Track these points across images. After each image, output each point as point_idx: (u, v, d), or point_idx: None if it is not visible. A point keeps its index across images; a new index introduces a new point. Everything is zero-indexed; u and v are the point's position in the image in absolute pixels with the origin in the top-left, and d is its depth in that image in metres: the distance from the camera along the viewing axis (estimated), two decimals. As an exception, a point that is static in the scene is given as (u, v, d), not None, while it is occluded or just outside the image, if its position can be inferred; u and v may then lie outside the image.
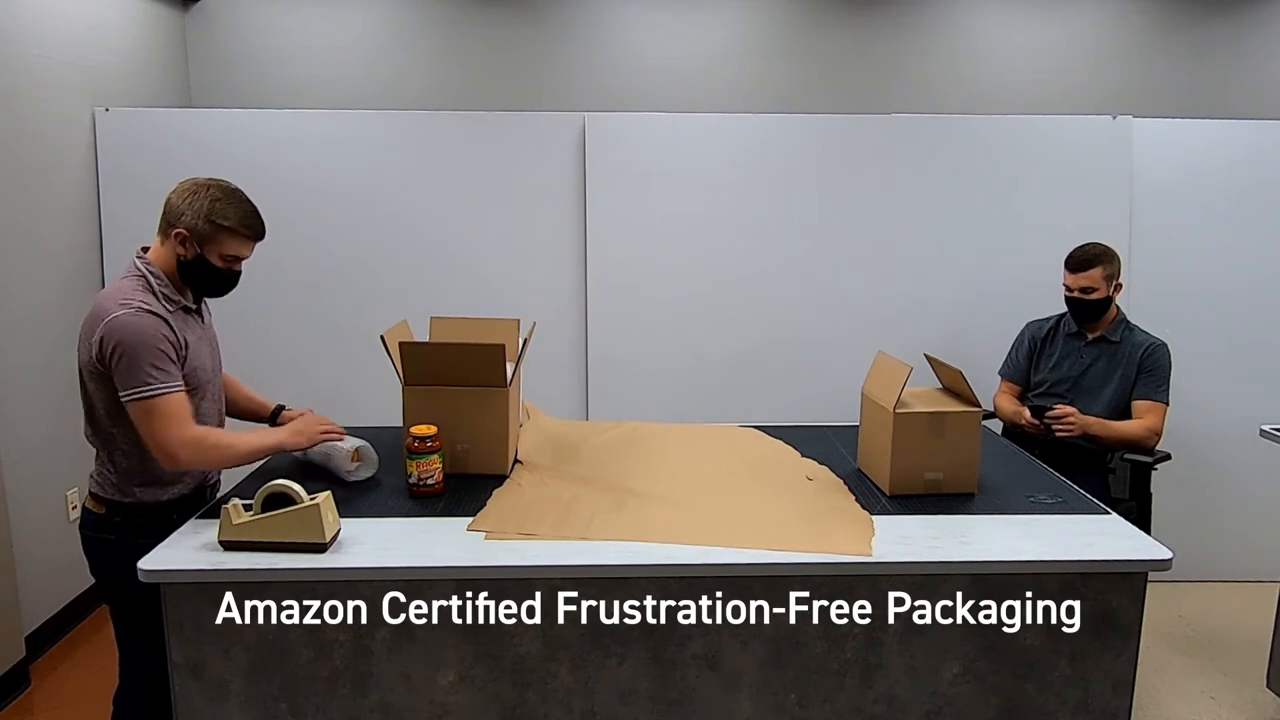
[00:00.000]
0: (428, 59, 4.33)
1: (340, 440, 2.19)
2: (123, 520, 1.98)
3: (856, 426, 2.41)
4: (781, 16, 4.36)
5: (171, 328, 1.93)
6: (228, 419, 2.28)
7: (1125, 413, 2.87)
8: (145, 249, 2.03)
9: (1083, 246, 2.86)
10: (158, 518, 1.97)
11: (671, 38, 4.35)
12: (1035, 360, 3.04)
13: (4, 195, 2.97)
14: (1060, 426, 2.74)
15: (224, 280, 2.04)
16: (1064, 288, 2.90)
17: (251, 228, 2.01)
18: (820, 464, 2.38)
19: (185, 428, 1.90)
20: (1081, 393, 2.89)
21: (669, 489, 2.15)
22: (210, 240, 1.97)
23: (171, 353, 1.91)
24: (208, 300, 2.16)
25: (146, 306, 1.90)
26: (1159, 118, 3.60)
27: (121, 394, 1.88)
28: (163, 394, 1.87)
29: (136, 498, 1.98)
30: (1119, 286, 2.88)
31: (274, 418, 2.34)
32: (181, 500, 2.04)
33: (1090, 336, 2.93)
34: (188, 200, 1.96)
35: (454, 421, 2.16)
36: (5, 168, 2.98)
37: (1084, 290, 2.83)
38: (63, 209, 3.29)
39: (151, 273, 1.98)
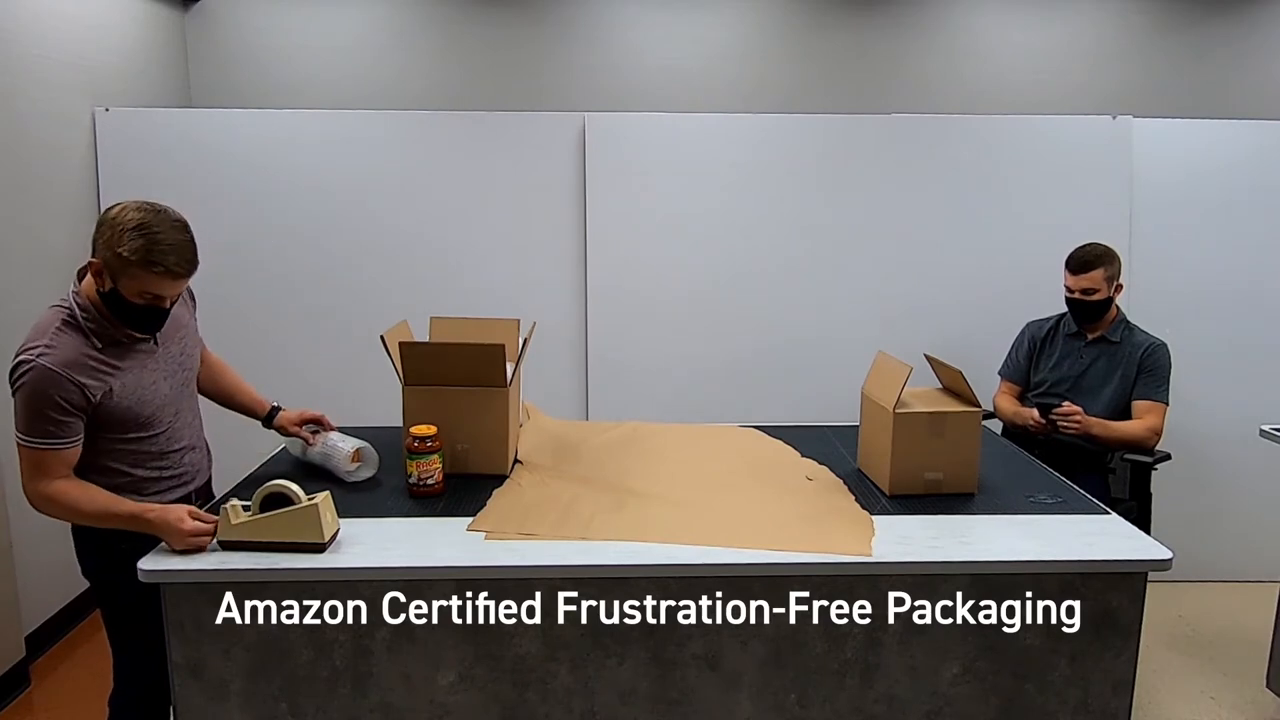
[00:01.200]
0: (428, 59, 4.33)
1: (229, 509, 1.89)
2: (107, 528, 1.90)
3: (856, 426, 2.41)
4: (781, 16, 4.36)
5: (77, 382, 1.78)
6: (228, 412, 2.29)
7: (1125, 413, 2.86)
8: (83, 271, 1.85)
9: (1083, 247, 2.86)
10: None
11: (671, 38, 4.35)
12: (1035, 360, 3.04)
13: (4, 195, 2.97)
14: (1066, 423, 2.74)
15: (146, 317, 1.84)
16: (1065, 289, 2.90)
17: (162, 264, 1.75)
18: (820, 464, 2.38)
19: (51, 481, 1.82)
20: (1081, 393, 2.89)
21: (669, 489, 2.15)
22: (121, 274, 1.76)
23: (68, 408, 1.78)
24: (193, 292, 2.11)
25: (51, 354, 1.76)
26: (1159, 118, 3.60)
27: (16, 433, 1.81)
28: (48, 449, 1.80)
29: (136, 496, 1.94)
30: (1119, 287, 2.87)
31: (269, 418, 2.32)
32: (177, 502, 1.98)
33: (1090, 336, 2.93)
34: (107, 227, 1.76)
35: (454, 421, 2.16)
36: (5, 168, 2.98)
37: (1085, 291, 2.83)
38: (63, 209, 3.29)
39: (79, 305, 1.83)
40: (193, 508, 1.85)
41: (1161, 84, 4.43)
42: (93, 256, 1.79)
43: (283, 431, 2.33)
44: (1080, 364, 2.92)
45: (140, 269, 1.75)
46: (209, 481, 2.20)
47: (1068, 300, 2.90)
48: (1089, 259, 2.82)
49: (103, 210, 1.85)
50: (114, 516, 1.84)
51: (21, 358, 1.79)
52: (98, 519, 1.86)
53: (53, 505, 1.86)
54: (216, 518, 1.80)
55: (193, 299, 2.18)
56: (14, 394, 1.80)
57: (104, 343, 1.84)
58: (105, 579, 1.95)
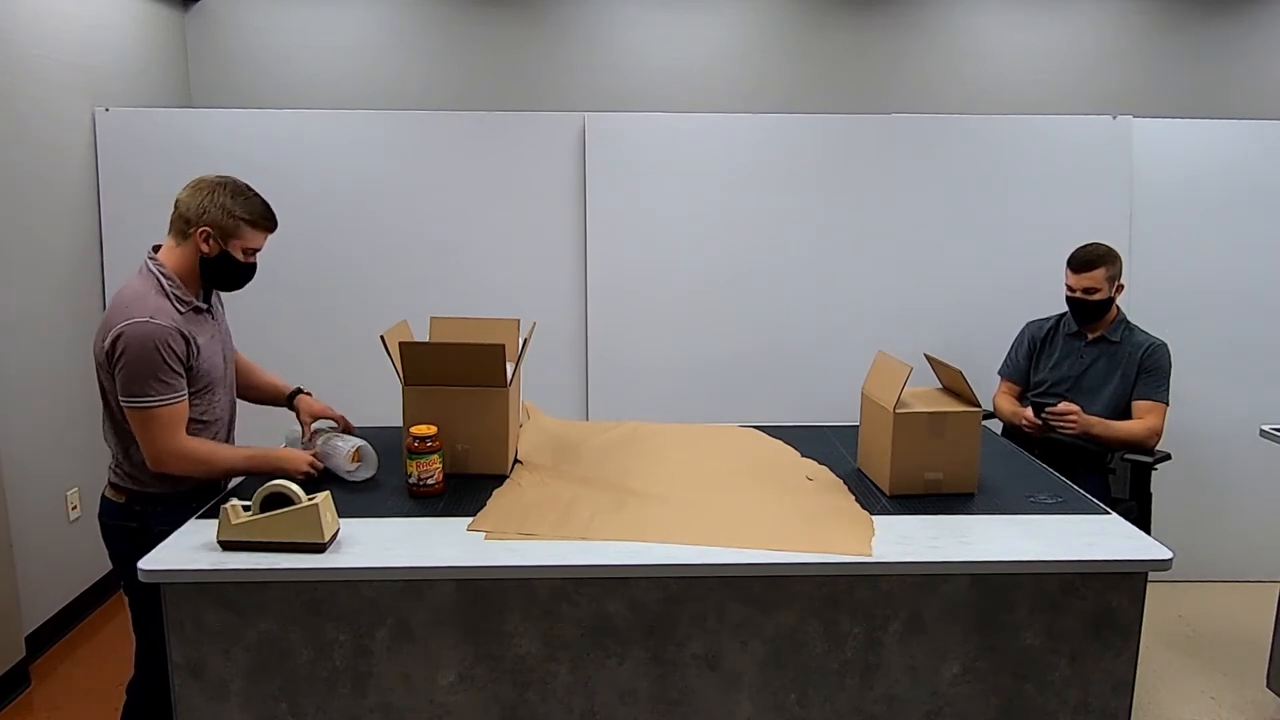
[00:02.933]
0: (428, 59, 4.33)
1: (327, 451, 2.20)
2: (143, 509, 2.03)
3: (856, 426, 2.41)
4: (781, 16, 4.36)
5: (183, 334, 1.95)
6: (246, 404, 2.35)
7: (1125, 412, 2.86)
8: (156, 248, 2.05)
9: (1085, 247, 2.85)
10: (177, 505, 2.01)
11: (671, 38, 4.35)
12: (1035, 360, 3.04)
13: (4, 195, 2.97)
14: (1062, 423, 2.74)
15: (245, 273, 2.09)
16: (1066, 288, 2.89)
17: (270, 219, 2.07)
18: (820, 464, 2.38)
19: (177, 439, 1.95)
20: (1082, 393, 2.89)
21: (669, 489, 2.15)
22: (234, 235, 2.01)
23: (178, 364, 1.94)
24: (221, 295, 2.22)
25: (159, 318, 1.92)
26: (1159, 118, 3.60)
27: (121, 399, 1.92)
28: (162, 406, 1.92)
29: (154, 488, 2.02)
30: (1120, 287, 2.87)
31: (290, 400, 2.37)
32: (199, 489, 2.08)
33: (1090, 336, 2.92)
34: (207, 198, 1.98)
35: (454, 421, 2.16)
36: (5, 168, 2.98)
37: (1086, 291, 2.82)
38: (63, 209, 3.29)
39: (164, 274, 2.00)
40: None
41: (1161, 84, 4.43)
42: (192, 229, 1.98)
43: (300, 418, 2.36)
44: (1080, 364, 2.92)
45: (253, 227, 2.03)
46: None
47: (1068, 299, 2.90)
48: (1091, 258, 2.81)
49: (186, 194, 2.00)
50: (248, 458, 2.07)
51: (131, 323, 1.89)
52: (232, 465, 2.06)
53: (189, 460, 1.97)
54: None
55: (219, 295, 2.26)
56: (122, 364, 1.89)
57: (183, 309, 2.00)
58: (133, 566, 1.96)
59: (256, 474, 2.09)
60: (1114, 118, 3.57)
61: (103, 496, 2.09)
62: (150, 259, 2.02)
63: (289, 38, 4.28)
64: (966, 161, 3.57)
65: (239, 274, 2.07)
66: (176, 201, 2.02)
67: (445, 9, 4.30)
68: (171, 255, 2.02)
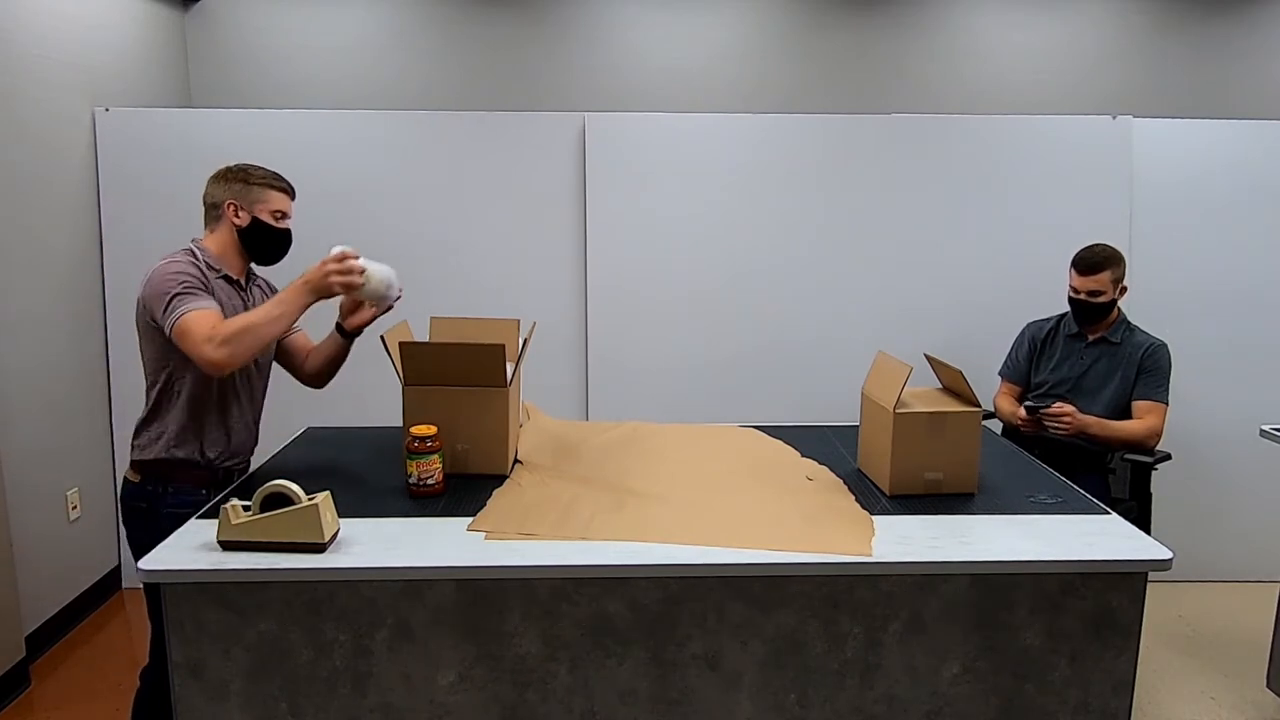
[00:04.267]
0: (428, 59, 4.33)
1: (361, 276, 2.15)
2: (154, 489, 2.12)
3: (856, 426, 2.41)
4: (781, 16, 4.36)
5: (202, 277, 2.08)
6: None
7: (1126, 413, 2.86)
8: (197, 238, 2.21)
9: (1091, 248, 2.83)
10: (182, 490, 2.12)
11: (671, 38, 4.35)
12: (1036, 361, 3.04)
13: (4, 195, 2.97)
14: (1057, 424, 2.74)
15: (282, 239, 2.23)
16: (1070, 289, 2.88)
17: (283, 181, 2.22)
18: (820, 464, 2.38)
19: (208, 329, 1.98)
20: (1082, 393, 2.89)
21: (669, 489, 2.15)
22: (256, 200, 2.16)
23: (195, 284, 2.05)
24: (266, 282, 2.35)
25: (184, 261, 2.09)
26: (1159, 118, 3.61)
27: (164, 327, 2.01)
28: (190, 311, 1.99)
29: (172, 454, 2.12)
30: (1123, 290, 2.86)
31: (342, 331, 2.36)
32: (213, 473, 2.17)
33: (1091, 338, 2.92)
34: (222, 181, 2.17)
35: (454, 421, 2.16)
36: (5, 168, 2.98)
37: (1091, 293, 2.81)
38: (63, 209, 3.30)
39: (198, 248, 2.16)
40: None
41: (1161, 84, 4.43)
42: (220, 209, 2.15)
43: (352, 324, 2.35)
44: (1081, 365, 2.92)
45: (270, 188, 2.18)
46: (252, 451, 2.33)
47: (1072, 301, 2.89)
48: (1098, 260, 2.80)
49: (210, 181, 2.19)
50: (281, 303, 2.05)
51: (158, 269, 2.05)
52: (269, 316, 2.03)
53: (237, 340, 1.98)
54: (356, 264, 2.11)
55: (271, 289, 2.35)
56: (159, 296, 2.01)
57: (210, 275, 2.13)
58: (147, 548, 1.98)
59: (297, 310, 2.06)
60: (1114, 118, 3.57)
61: (124, 478, 2.19)
62: (194, 242, 2.18)
63: (289, 38, 4.28)
64: (966, 161, 3.57)
65: (276, 239, 2.21)
66: (203, 197, 2.19)
67: (445, 9, 4.30)
68: (210, 240, 2.18)
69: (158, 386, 2.13)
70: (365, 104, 4.24)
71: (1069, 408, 2.75)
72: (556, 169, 3.56)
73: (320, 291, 2.07)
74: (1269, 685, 2.78)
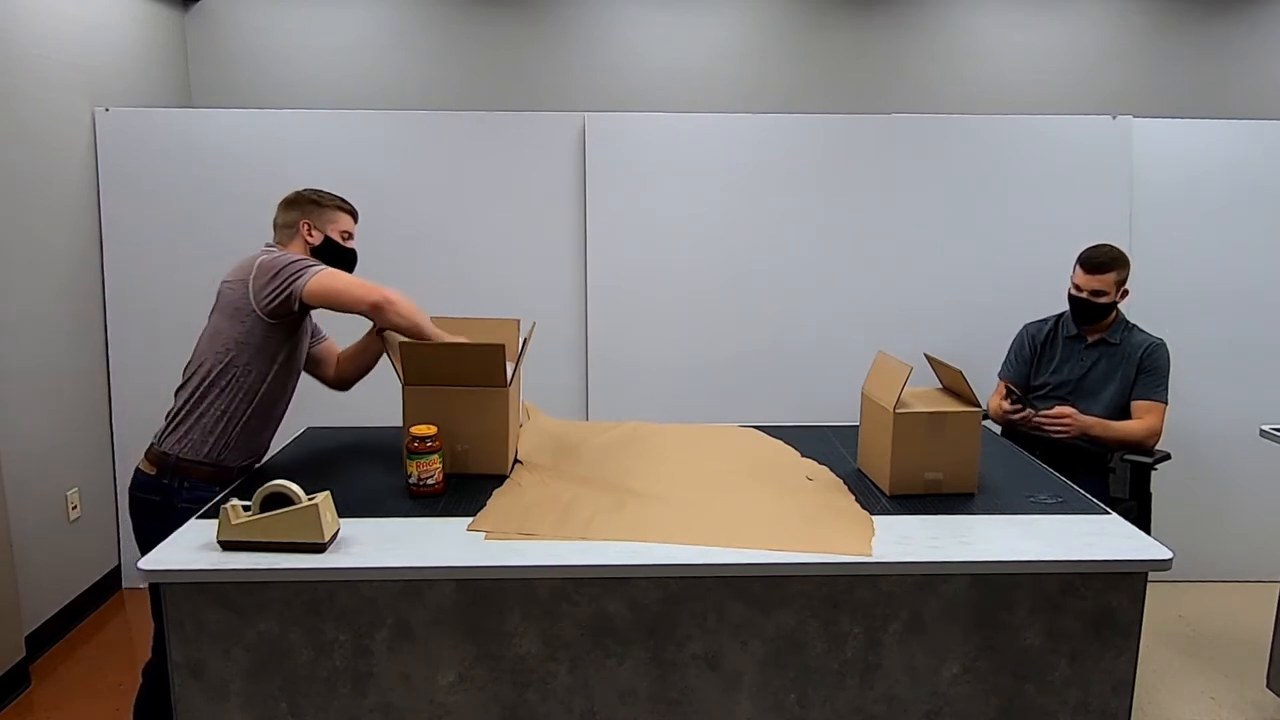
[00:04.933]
0: (428, 59, 4.33)
1: None
2: (168, 483, 2.13)
3: (856, 426, 2.41)
4: (781, 16, 4.36)
5: None
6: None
7: (1126, 412, 2.86)
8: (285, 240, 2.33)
9: (1099, 248, 2.81)
10: (198, 486, 2.14)
11: (671, 38, 4.35)
12: (1036, 363, 3.03)
13: (4, 195, 2.97)
14: (1057, 426, 2.74)
15: (349, 257, 2.37)
16: (1072, 286, 2.85)
17: (348, 203, 2.38)
18: (820, 464, 2.38)
19: (361, 280, 2.16)
20: (1083, 395, 2.89)
21: (669, 489, 2.15)
22: (328, 221, 2.32)
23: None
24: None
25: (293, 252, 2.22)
26: (1159, 118, 3.60)
27: (295, 285, 2.10)
28: (325, 270, 2.14)
29: (205, 457, 2.15)
30: (1125, 293, 2.85)
31: (380, 332, 2.45)
32: (227, 472, 2.19)
33: (1091, 339, 2.92)
34: (295, 205, 2.31)
35: (454, 421, 2.16)
36: (5, 168, 2.98)
37: (1094, 293, 2.79)
38: (63, 209, 3.30)
39: (284, 250, 2.26)
40: None
41: (1161, 84, 4.43)
42: (295, 228, 2.29)
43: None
44: (1081, 367, 2.91)
45: (338, 211, 2.34)
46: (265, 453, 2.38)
47: (1072, 299, 2.87)
48: (1105, 261, 2.77)
49: (286, 199, 2.33)
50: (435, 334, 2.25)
51: (263, 255, 2.18)
52: (415, 324, 2.21)
53: (400, 302, 2.18)
54: None
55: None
56: (277, 268, 2.11)
57: None
58: (155, 542, 1.98)
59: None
60: (1114, 118, 3.57)
61: (136, 469, 2.20)
62: (269, 246, 2.29)
63: (289, 38, 4.28)
64: (966, 161, 3.57)
65: (345, 257, 2.35)
66: (274, 220, 2.33)
67: (445, 9, 4.30)
68: (282, 249, 2.28)
69: (208, 379, 2.16)
70: (365, 104, 4.24)
71: (1068, 410, 2.75)
72: (556, 169, 3.56)
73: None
74: (1269, 685, 2.78)
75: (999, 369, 3.15)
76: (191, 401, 2.17)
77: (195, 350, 2.22)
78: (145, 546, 2.07)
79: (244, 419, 2.19)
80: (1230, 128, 3.57)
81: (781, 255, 3.61)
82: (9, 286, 2.99)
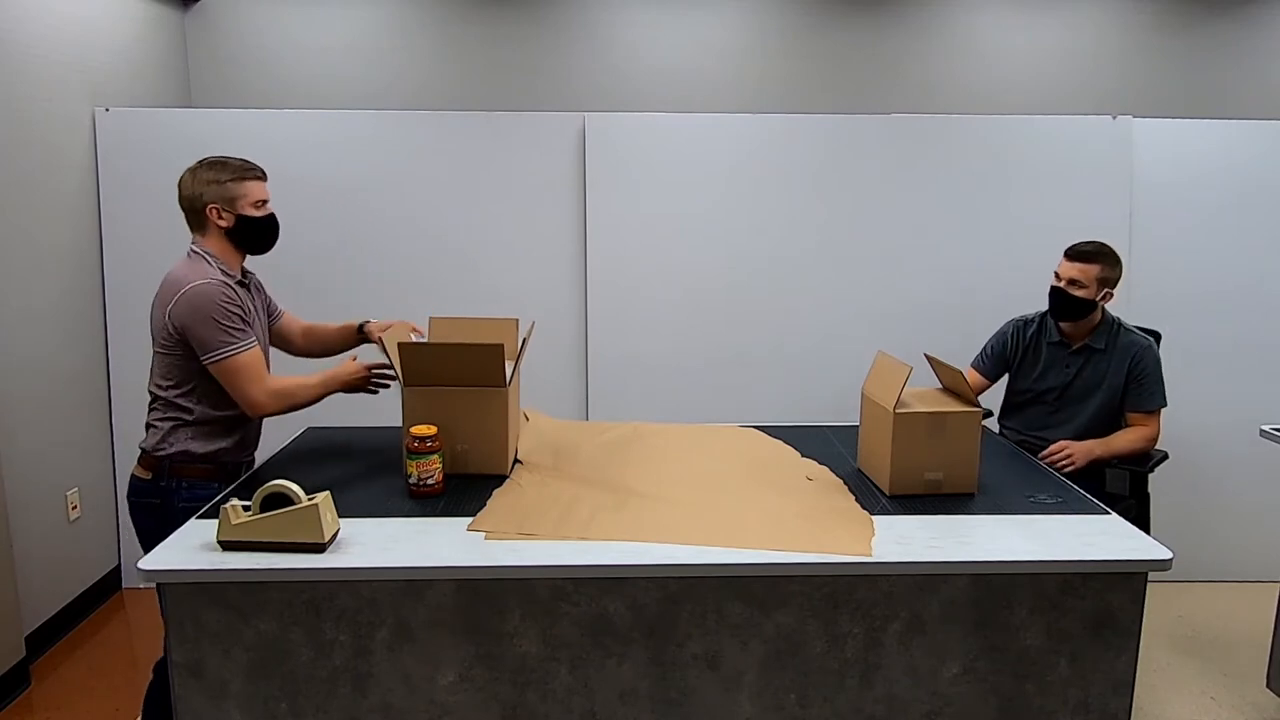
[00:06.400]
0: (428, 59, 4.33)
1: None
2: (167, 485, 2.13)
3: (856, 426, 2.41)
4: (781, 16, 4.36)
5: (238, 295, 2.14)
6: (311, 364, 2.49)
7: (1115, 416, 2.81)
8: (196, 240, 2.23)
9: (1088, 241, 2.76)
10: (196, 485, 2.14)
11: (671, 38, 4.35)
12: (1017, 366, 2.93)
13: (4, 195, 2.97)
14: (1061, 463, 2.64)
15: (270, 227, 2.24)
16: (1054, 276, 2.77)
17: (253, 167, 2.21)
18: (820, 464, 2.38)
19: (266, 380, 2.13)
20: (1069, 403, 2.81)
21: (669, 489, 2.15)
22: (235, 196, 2.16)
23: (243, 314, 2.12)
24: (259, 281, 2.39)
25: (216, 278, 2.10)
26: (1159, 118, 3.60)
27: (203, 357, 2.07)
28: (242, 351, 2.08)
29: (189, 447, 2.13)
30: (1108, 295, 2.73)
31: (361, 333, 2.48)
32: (223, 467, 2.19)
33: (1075, 345, 2.81)
34: (195, 182, 2.15)
35: (454, 421, 2.16)
36: (5, 168, 2.98)
37: (1070, 282, 2.70)
38: (63, 209, 3.29)
39: (208, 253, 2.17)
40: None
41: (1161, 84, 4.43)
42: (202, 213, 2.14)
43: (374, 340, 2.45)
44: (1066, 374, 2.82)
45: (244, 180, 2.17)
46: (258, 444, 2.37)
47: (1051, 290, 2.77)
48: (1088, 251, 2.71)
49: (181, 185, 2.19)
50: (322, 383, 2.22)
51: (190, 286, 2.06)
52: (312, 392, 2.20)
53: (281, 396, 2.15)
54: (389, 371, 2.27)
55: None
56: (193, 325, 2.05)
57: (230, 280, 2.15)
58: (156, 541, 1.98)
59: (328, 394, 2.25)
60: (1114, 118, 3.57)
61: (131, 475, 2.19)
62: (194, 244, 2.19)
63: (289, 38, 4.28)
64: (966, 161, 3.57)
65: (265, 229, 2.22)
66: (180, 201, 2.18)
67: (445, 9, 4.30)
68: (206, 243, 2.18)
69: (177, 392, 2.14)
70: (365, 104, 4.24)
71: (1061, 444, 2.66)
72: (556, 169, 3.56)
73: (353, 389, 2.29)
74: (1269, 685, 2.78)
75: (973, 359, 3.02)
76: (161, 403, 2.16)
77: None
78: (149, 547, 2.06)
79: (217, 415, 2.16)
80: (1230, 128, 3.57)
81: (781, 255, 3.61)
82: (9, 286, 2.99)
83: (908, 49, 4.40)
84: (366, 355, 2.41)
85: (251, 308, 2.21)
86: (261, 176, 2.22)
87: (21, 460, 3.02)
